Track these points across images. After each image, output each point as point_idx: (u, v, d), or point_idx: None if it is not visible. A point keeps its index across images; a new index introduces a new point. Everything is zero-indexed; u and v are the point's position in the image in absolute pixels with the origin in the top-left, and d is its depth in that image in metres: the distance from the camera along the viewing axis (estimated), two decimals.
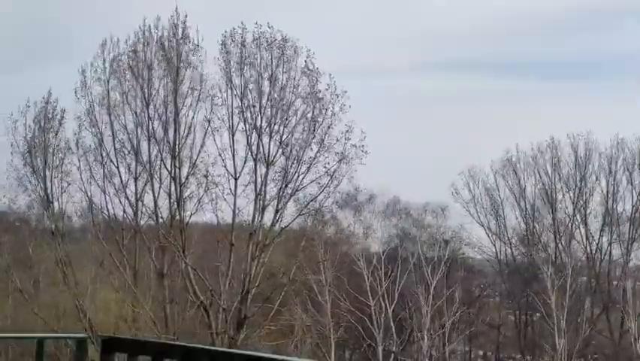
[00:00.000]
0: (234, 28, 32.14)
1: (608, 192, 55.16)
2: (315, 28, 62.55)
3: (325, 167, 32.14)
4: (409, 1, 76.51)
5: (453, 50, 77.11)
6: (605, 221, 55.32)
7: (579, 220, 56.01)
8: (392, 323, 46.96)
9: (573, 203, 55.86)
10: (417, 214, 52.67)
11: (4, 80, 60.09)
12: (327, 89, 32.02)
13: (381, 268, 46.66)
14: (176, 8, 32.34)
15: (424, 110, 76.60)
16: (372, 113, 60.38)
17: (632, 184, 54.94)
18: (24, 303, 36.21)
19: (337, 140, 31.95)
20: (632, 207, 54.66)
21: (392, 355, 48.24)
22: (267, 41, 31.99)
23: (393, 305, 46.87)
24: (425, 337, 46.76)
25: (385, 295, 46.44)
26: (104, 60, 33.23)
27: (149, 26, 32.74)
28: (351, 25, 73.06)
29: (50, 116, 34.69)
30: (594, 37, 79.66)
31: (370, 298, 46.25)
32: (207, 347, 8.14)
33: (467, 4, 74.24)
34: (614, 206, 55.26)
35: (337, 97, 31.91)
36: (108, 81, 33.15)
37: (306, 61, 31.93)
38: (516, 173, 57.53)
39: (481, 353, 62.99)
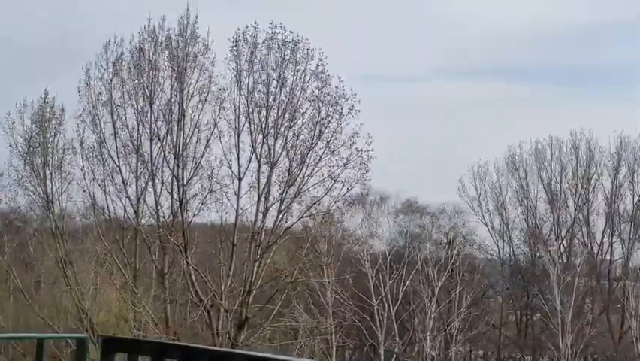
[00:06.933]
0: (247, 26, 31.97)
1: (611, 191, 55.07)
2: (328, 32, 62.78)
3: (330, 169, 31.96)
4: (420, 9, 76.98)
5: (473, 55, 77.32)
6: (608, 220, 55.18)
7: (581, 220, 55.89)
8: (395, 324, 46.81)
9: (575, 202, 55.79)
10: (425, 214, 52.67)
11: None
12: (335, 91, 31.84)
13: (386, 269, 46.47)
14: (187, 9, 32.30)
15: (432, 112, 77.15)
16: (380, 116, 60.62)
17: (634, 183, 54.85)
18: (25, 303, 36.15)
19: (343, 143, 31.77)
20: (634, 206, 54.53)
21: (394, 356, 48.09)
22: (278, 43, 31.83)
23: (396, 306, 46.73)
24: (428, 338, 46.61)
25: (389, 296, 46.28)
26: (108, 59, 33.17)
27: (154, 26, 32.63)
28: (365, 29, 73.39)
29: (48, 115, 34.64)
30: (595, 40, 79.95)
31: (374, 298, 46.10)
32: (208, 347, 8.08)
33: (475, 12, 74.71)
34: (616, 206, 55.18)
35: (346, 100, 31.72)
36: (112, 80, 33.05)
37: (318, 65, 31.68)
38: (519, 172, 57.52)
39: (481, 353, 62.84)
